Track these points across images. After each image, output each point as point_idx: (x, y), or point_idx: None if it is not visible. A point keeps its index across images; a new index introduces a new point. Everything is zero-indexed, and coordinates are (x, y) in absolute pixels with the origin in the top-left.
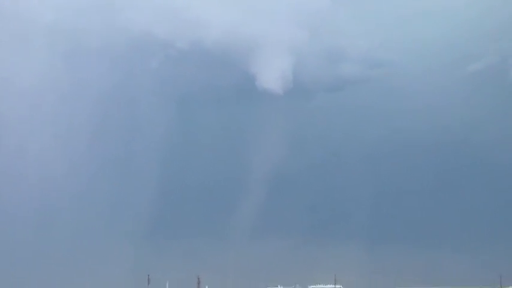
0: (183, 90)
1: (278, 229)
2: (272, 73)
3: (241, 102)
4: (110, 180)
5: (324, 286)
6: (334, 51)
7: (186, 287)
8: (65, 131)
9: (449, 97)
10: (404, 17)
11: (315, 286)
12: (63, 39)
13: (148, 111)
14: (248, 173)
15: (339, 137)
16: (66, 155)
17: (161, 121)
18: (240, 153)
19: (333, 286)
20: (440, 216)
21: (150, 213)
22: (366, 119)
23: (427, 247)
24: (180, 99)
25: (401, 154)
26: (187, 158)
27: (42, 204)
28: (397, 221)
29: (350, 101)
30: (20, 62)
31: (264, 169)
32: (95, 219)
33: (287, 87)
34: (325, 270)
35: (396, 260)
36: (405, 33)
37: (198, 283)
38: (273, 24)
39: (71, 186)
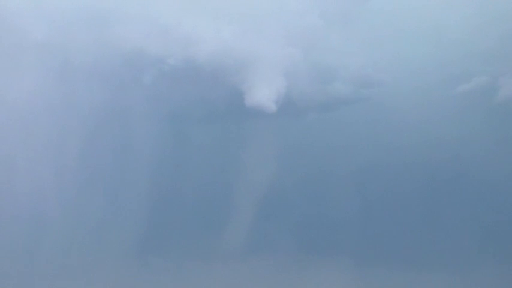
0: (175, 106)
1: (268, 248)
2: (264, 90)
3: (232, 119)
4: (99, 197)
5: None
6: (326, 70)
7: None
8: (55, 146)
9: (439, 116)
10: (396, 37)
11: None
12: (53, 55)
13: (139, 126)
14: (238, 191)
15: (329, 155)
16: (55, 171)
17: (152, 137)
18: (230, 170)
19: None
20: (431, 234)
21: (139, 231)
22: (356, 136)
23: (418, 266)
24: (171, 114)
25: (392, 172)
26: (178, 175)
27: (30, 220)
28: (387, 240)
29: (341, 120)
30: (9, 78)
31: (254, 187)
32: (84, 236)
33: (279, 104)
34: None
35: (387, 280)
36: (397, 53)
37: None
38: (265, 42)
39: (59, 202)
